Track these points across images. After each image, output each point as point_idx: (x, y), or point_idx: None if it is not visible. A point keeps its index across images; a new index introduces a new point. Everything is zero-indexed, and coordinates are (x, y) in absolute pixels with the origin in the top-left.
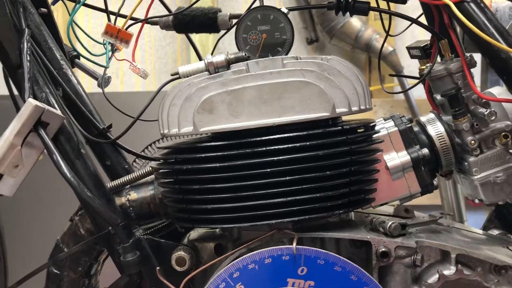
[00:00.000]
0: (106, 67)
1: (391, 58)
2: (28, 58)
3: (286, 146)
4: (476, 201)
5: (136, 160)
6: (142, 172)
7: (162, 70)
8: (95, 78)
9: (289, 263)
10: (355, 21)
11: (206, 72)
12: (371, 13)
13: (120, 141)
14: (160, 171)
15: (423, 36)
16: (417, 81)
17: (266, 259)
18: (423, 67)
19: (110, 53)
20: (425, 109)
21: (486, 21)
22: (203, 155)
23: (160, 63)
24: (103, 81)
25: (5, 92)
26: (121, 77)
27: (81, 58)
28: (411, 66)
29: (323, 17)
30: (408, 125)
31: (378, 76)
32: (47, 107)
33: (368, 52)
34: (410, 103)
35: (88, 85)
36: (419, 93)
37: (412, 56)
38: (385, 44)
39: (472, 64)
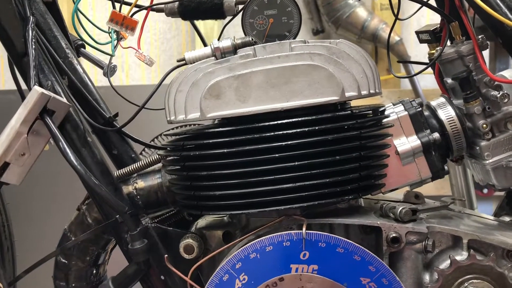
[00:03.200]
0: (111, 55)
1: (398, 48)
2: (34, 46)
3: (295, 130)
4: (485, 191)
5: (143, 152)
6: (149, 160)
7: (168, 63)
8: (101, 67)
9: (290, 249)
10: (361, 11)
11: (213, 58)
12: (377, 2)
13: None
14: (168, 158)
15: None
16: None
17: (267, 247)
18: (433, 51)
19: (116, 41)
20: (432, 99)
21: (498, 1)
22: (210, 141)
23: (165, 56)
24: (109, 70)
25: (11, 86)
26: (127, 70)
27: (86, 47)
28: (418, 56)
29: (329, 7)
30: (418, 109)
31: (384, 66)
32: (53, 94)
33: (375, 42)
34: (417, 93)
35: (94, 78)
36: (425, 83)
37: (422, 41)
38: (392, 34)
39: (484, 46)
